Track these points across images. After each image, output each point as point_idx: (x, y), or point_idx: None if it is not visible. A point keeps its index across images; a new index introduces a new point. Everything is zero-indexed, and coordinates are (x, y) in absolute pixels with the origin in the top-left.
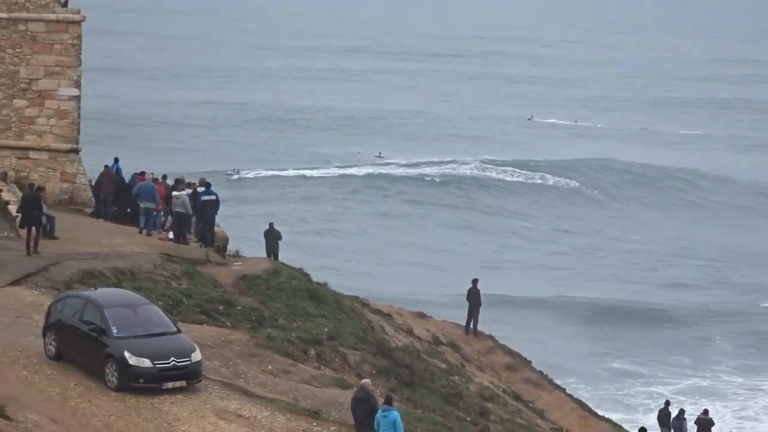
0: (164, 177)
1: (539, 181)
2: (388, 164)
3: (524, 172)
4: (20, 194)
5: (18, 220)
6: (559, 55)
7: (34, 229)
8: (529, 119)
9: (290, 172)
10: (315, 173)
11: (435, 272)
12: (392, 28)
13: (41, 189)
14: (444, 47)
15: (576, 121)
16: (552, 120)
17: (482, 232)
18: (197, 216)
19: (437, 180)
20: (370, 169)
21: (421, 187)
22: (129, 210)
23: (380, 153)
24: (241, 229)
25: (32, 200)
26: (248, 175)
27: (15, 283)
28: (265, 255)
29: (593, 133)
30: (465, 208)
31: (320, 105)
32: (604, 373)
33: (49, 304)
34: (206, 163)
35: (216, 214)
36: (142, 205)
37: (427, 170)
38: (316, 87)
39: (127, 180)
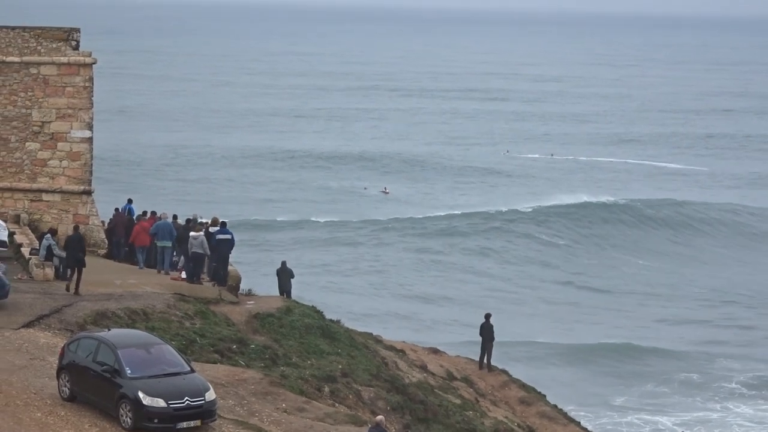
0: (175, 217)
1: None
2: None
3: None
4: (32, 236)
5: (62, 262)
6: (569, 91)
7: (77, 270)
8: (506, 152)
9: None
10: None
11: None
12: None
13: (53, 231)
14: (452, 84)
15: (552, 155)
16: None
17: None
18: (211, 255)
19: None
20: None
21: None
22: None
23: (385, 188)
24: (253, 268)
25: (77, 242)
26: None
27: (29, 325)
28: (277, 293)
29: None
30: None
31: (327, 145)
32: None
33: (62, 345)
34: (218, 206)
35: (230, 253)
36: (159, 245)
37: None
38: (322, 127)
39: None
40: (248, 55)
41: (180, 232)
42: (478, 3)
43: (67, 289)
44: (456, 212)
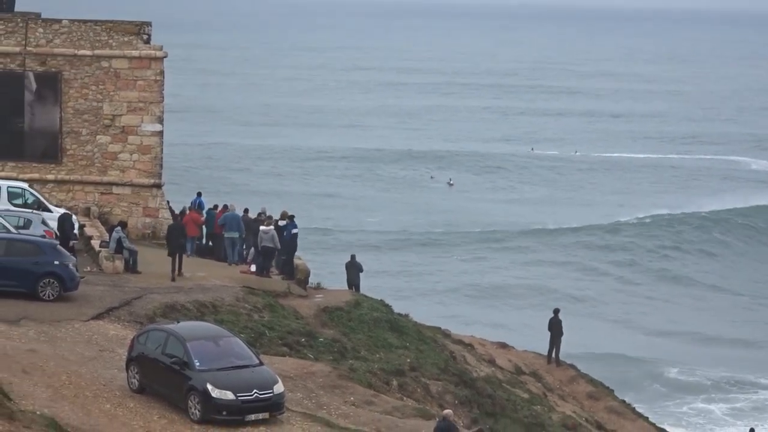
0: (246, 211)
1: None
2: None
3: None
4: (102, 228)
5: (132, 255)
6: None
7: (178, 255)
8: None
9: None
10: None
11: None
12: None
13: (123, 224)
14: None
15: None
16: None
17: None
18: (280, 249)
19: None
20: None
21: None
22: (210, 243)
23: (450, 179)
24: (322, 262)
25: (179, 230)
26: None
27: (98, 317)
28: (346, 287)
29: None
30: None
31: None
32: None
33: (131, 337)
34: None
35: (296, 246)
36: (227, 236)
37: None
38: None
39: (204, 214)
40: (314, 50)
41: (250, 225)
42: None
43: (173, 280)
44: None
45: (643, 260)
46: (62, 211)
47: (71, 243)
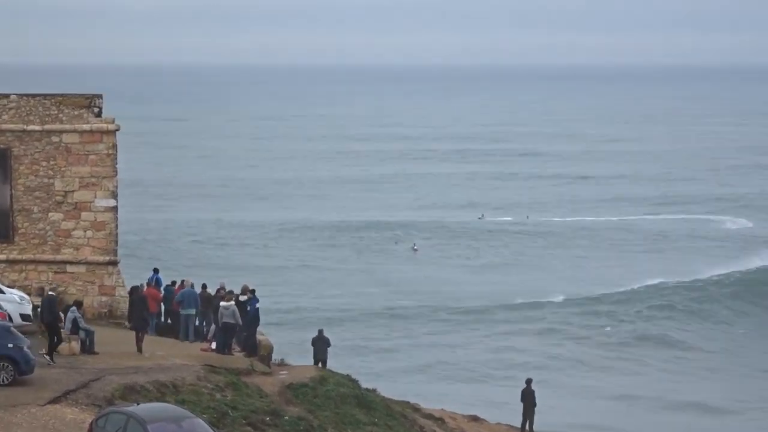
0: (204, 286)
1: None
2: None
3: None
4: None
5: (88, 335)
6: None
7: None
8: (480, 218)
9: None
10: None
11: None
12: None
13: (78, 304)
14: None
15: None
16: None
17: None
18: (242, 325)
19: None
20: None
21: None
22: (169, 321)
23: (414, 245)
24: (286, 337)
25: (142, 302)
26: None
27: (55, 401)
28: (311, 363)
29: None
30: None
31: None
32: None
33: (90, 421)
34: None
35: (258, 321)
36: (183, 313)
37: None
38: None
39: (161, 290)
40: (273, 119)
41: (210, 301)
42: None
43: (139, 350)
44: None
45: (619, 328)
46: (48, 292)
47: (24, 325)
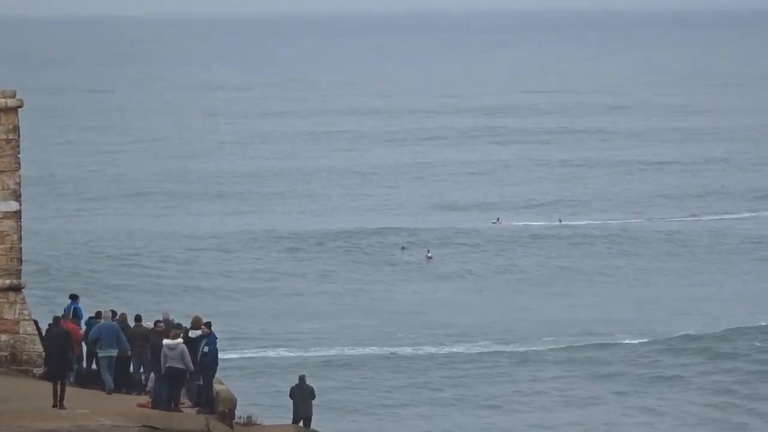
0: (138, 318)
1: None
2: None
3: None
4: None
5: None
6: None
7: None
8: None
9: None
10: None
11: None
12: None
13: None
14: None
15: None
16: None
17: None
18: (193, 370)
19: None
20: None
21: None
22: (94, 366)
23: (429, 252)
24: (255, 387)
25: (63, 338)
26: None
27: None
28: (290, 421)
29: None
30: None
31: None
32: None
33: None
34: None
35: (216, 366)
36: (102, 355)
37: None
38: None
39: (83, 325)
40: (226, 89)
41: (148, 338)
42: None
43: (58, 406)
44: None
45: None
46: None
47: None
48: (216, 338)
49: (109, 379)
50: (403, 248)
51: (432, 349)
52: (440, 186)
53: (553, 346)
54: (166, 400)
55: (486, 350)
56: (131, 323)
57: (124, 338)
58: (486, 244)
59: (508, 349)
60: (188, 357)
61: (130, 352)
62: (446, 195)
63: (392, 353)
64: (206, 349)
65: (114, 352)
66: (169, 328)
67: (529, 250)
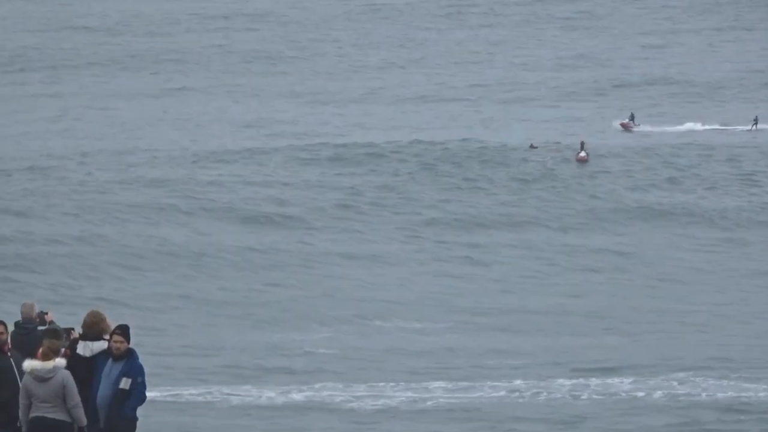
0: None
1: None
2: None
3: None
4: None
5: None
6: None
7: None
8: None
9: None
10: None
11: None
12: None
13: None
14: None
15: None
16: None
17: None
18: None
19: None
20: None
21: None
22: None
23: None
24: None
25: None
26: None
27: None
28: None
29: None
30: None
31: None
32: None
33: None
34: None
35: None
36: None
37: None
38: None
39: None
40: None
41: None
42: None
43: None
44: None
45: None
46: None
47: None
48: (137, 358)
49: None
50: (532, 146)
51: None
52: None
53: None
54: None
55: None
56: None
57: None
58: None
59: None
60: (74, 390)
61: None
62: None
63: None
64: (123, 383)
65: None
66: (36, 335)
67: None
